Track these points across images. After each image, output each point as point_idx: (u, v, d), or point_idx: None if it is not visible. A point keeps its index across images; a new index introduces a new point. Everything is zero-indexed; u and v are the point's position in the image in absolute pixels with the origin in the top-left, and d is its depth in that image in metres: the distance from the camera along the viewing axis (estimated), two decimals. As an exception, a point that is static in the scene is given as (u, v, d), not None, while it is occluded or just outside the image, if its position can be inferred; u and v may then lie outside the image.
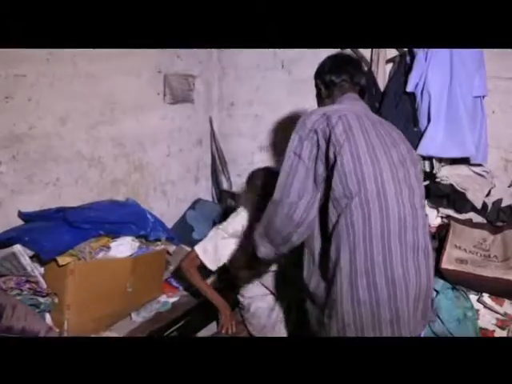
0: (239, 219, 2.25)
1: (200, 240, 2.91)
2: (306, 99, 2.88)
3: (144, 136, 2.82)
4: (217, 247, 2.22)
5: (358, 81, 1.66)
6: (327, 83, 1.67)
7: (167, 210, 3.05)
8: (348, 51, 1.87)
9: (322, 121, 1.41)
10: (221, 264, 2.25)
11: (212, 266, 2.22)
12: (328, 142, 1.38)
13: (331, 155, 1.37)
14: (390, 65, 2.59)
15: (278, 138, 3.13)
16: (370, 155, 1.38)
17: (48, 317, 1.88)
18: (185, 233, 2.92)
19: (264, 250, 1.56)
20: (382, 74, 2.57)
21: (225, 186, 3.38)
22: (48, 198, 2.26)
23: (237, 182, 3.36)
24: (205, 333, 2.41)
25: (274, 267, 2.25)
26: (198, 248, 2.23)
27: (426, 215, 1.75)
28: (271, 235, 1.50)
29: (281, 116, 3.08)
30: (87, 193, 2.47)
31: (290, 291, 2.19)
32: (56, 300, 1.89)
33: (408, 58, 2.46)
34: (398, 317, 1.35)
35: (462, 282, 2.08)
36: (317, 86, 1.73)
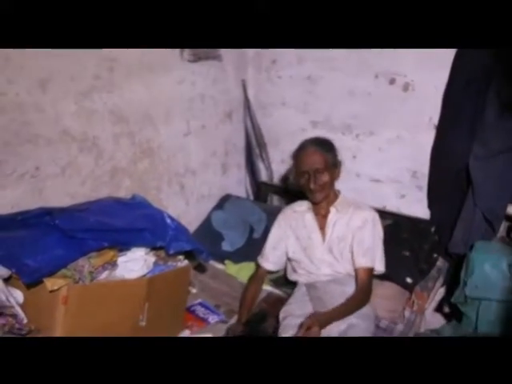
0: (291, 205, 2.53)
1: (232, 253, 2.86)
2: (374, 53, 2.75)
3: (154, 108, 2.75)
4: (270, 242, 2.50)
5: None
6: None
7: (186, 211, 3.01)
8: None
9: None
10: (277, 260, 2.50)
11: (269, 266, 2.50)
12: None
13: None
14: None
15: (340, 108, 3.00)
16: None
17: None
18: (210, 242, 2.83)
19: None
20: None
21: (263, 176, 3.33)
22: (24, 195, 2.22)
23: (280, 170, 3.28)
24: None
25: None
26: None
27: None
28: None
29: (342, 77, 2.95)
30: (78, 187, 2.43)
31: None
32: (41, 340, 1.82)
33: None
34: None
35: None
36: None
